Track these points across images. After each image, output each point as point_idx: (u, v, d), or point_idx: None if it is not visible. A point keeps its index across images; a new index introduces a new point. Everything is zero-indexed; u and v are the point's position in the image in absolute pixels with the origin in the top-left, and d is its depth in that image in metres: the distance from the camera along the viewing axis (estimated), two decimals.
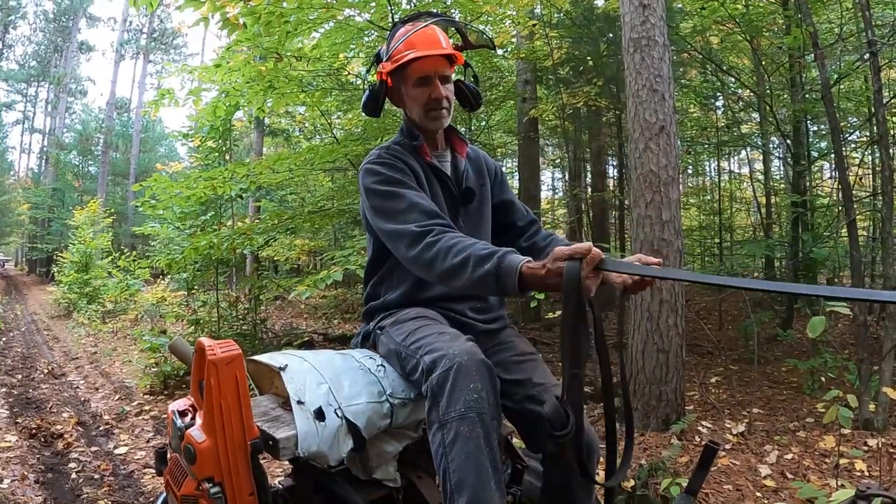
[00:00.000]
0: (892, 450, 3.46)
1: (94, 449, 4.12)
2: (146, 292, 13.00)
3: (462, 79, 1.90)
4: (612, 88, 8.23)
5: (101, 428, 4.67)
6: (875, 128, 5.06)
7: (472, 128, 9.09)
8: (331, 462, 1.54)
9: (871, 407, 3.87)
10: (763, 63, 7.49)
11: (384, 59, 1.77)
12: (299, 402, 1.52)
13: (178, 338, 2.13)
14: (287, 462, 1.58)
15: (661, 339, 4.07)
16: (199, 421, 1.50)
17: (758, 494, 3.07)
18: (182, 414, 1.58)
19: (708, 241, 11.16)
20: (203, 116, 6.64)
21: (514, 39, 8.85)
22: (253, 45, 5.44)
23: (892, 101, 6.02)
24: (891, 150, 4.42)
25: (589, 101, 7.96)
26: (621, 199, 9.74)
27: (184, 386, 5.65)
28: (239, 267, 9.53)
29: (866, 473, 3.18)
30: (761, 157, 10.54)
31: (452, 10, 5.96)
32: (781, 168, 10.92)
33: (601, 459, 1.66)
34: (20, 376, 6.66)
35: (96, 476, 3.60)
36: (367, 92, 1.82)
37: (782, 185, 10.22)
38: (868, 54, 4.46)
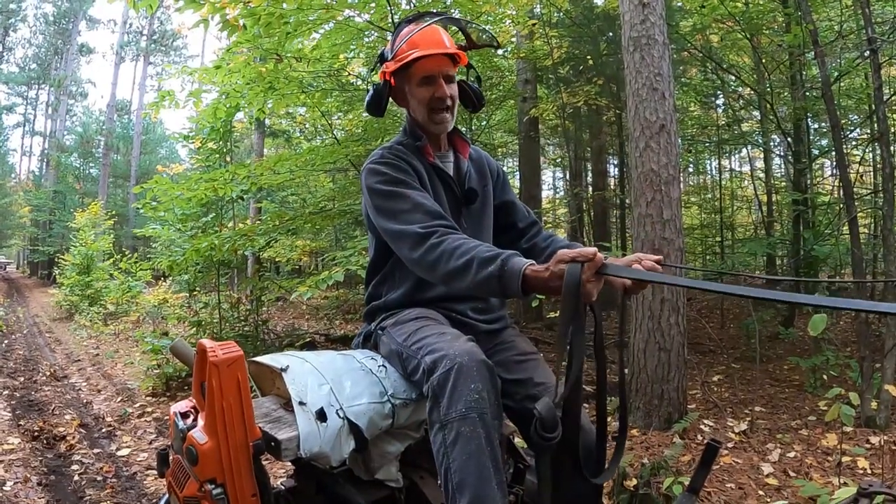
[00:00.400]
0: (894, 447, 3.46)
1: (96, 451, 4.13)
2: (148, 294, 13.00)
3: (464, 79, 1.90)
4: (613, 87, 8.23)
5: (103, 430, 4.68)
6: (876, 125, 5.06)
7: (473, 127, 9.08)
8: (333, 463, 1.54)
9: (874, 404, 3.87)
10: (763, 61, 7.48)
11: (387, 59, 1.77)
12: (301, 403, 1.52)
13: (179, 339, 2.13)
14: (289, 463, 1.58)
15: (663, 338, 4.07)
16: (201, 422, 1.50)
17: (760, 493, 3.07)
18: (184, 415, 1.58)
19: (709, 240, 11.14)
20: (203, 118, 6.65)
21: (513, 39, 8.85)
22: (253, 47, 5.44)
23: (893, 98, 6.02)
24: (891, 148, 4.42)
25: (589, 100, 7.96)
26: (622, 198, 9.74)
27: (186, 387, 5.65)
28: (240, 268, 9.53)
29: (869, 471, 3.18)
30: (762, 155, 10.53)
31: (452, 10, 5.96)
32: (782, 166, 10.93)
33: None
34: (22, 379, 6.67)
35: (99, 478, 3.60)
36: (370, 91, 1.81)
37: (783, 183, 10.22)
38: (868, 51, 4.46)
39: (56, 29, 33.53)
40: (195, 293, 8.60)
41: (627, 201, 8.60)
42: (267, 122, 12.65)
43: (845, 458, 3.27)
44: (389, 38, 1.87)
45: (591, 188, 11.77)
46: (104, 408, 5.39)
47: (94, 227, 15.88)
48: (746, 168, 13.01)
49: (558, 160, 15.35)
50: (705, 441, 3.35)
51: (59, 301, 15.08)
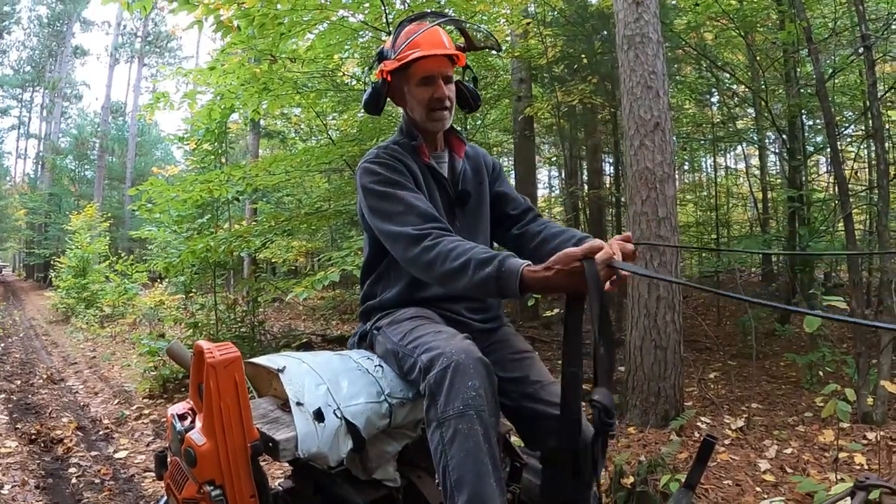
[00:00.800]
0: (891, 443, 3.47)
1: (93, 453, 4.12)
2: (144, 296, 12.99)
3: (461, 79, 1.90)
4: (607, 86, 8.23)
5: (100, 432, 4.67)
6: (870, 122, 5.08)
7: (468, 127, 9.08)
8: (331, 463, 1.54)
9: (870, 400, 3.89)
10: (757, 58, 7.49)
11: (388, 58, 1.76)
12: (298, 404, 1.52)
13: (175, 342, 2.13)
14: (287, 463, 1.59)
15: (659, 336, 4.08)
16: (198, 424, 1.49)
17: (757, 489, 3.08)
18: (181, 417, 1.58)
19: (705, 237, 11.16)
20: (198, 119, 6.63)
21: (508, 38, 8.85)
22: (247, 48, 5.42)
23: (887, 94, 6.03)
24: (886, 144, 4.43)
25: (584, 98, 7.96)
26: (618, 196, 9.74)
27: (183, 389, 5.65)
28: (236, 269, 9.52)
29: (866, 467, 3.19)
30: (757, 153, 10.57)
31: (447, 10, 5.96)
32: (777, 163, 10.95)
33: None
34: (19, 382, 6.65)
35: (96, 481, 3.60)
36: (369, 90, 1.81)
37: (778, 180, 10.23)
38: (862, 48, 4.47)
39: (50, 31, 33.37)
40: (191, 295, 8.59)
41: (623, 199, 8.62)
42: (262, 122, 12.62)
43: (842, 454, 3.29)
44: (385, 37, 1.87)
45: (586, 186, 11.76)
46: (101, 410, 5.37)
47: (90, 230, 15.86)
48: (741, 165, 13.06)
49: (554, 159, 15.36)
50: (702, 438, 3.36)
51: (56, 304, 15.04)
